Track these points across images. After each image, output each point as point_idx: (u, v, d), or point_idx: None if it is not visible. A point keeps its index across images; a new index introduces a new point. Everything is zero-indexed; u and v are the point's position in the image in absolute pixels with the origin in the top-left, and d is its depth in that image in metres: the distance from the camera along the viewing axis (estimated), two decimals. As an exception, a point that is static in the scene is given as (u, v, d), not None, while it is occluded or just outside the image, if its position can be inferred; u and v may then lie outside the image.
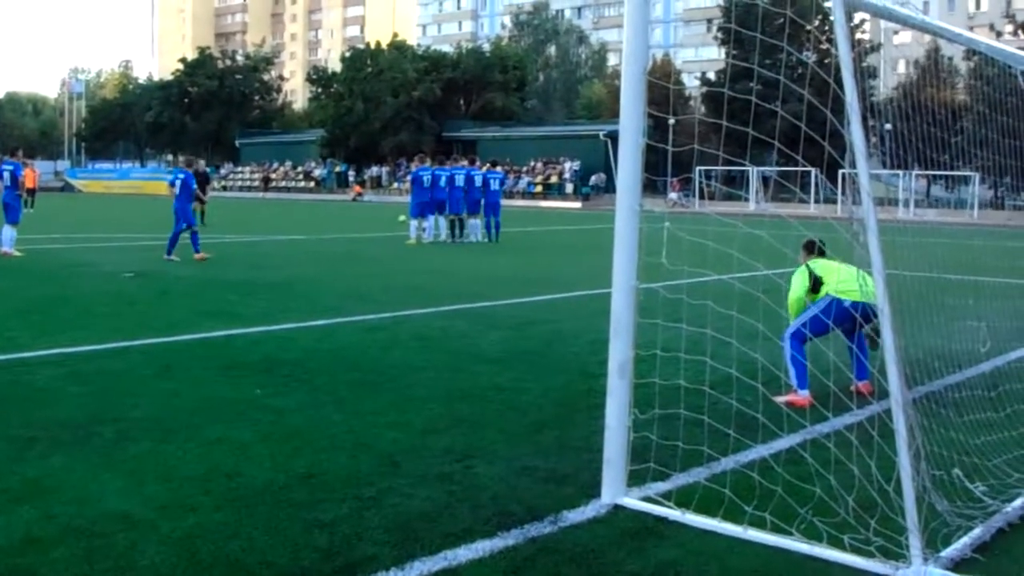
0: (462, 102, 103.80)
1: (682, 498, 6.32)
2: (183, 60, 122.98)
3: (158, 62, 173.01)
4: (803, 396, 9.14)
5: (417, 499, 6.50)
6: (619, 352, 6.19)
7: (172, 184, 23.80)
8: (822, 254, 10.08)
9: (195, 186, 24.40)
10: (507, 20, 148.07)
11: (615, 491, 6.37)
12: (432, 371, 10.88)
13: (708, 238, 6.50)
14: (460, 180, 30.72)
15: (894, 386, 5.42)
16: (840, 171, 6.00)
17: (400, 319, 14.65)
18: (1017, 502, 6.57)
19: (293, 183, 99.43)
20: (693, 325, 6.76)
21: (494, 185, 33.02)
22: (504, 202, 33.41)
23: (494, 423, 8.59)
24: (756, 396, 6.67)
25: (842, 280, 9.59)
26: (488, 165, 33.53)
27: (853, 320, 9.57)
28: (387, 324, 14.24)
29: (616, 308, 6.18)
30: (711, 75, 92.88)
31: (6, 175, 24.93)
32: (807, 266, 10.06)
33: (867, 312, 9.48)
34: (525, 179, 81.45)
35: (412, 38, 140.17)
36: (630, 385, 6.23)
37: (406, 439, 8.01)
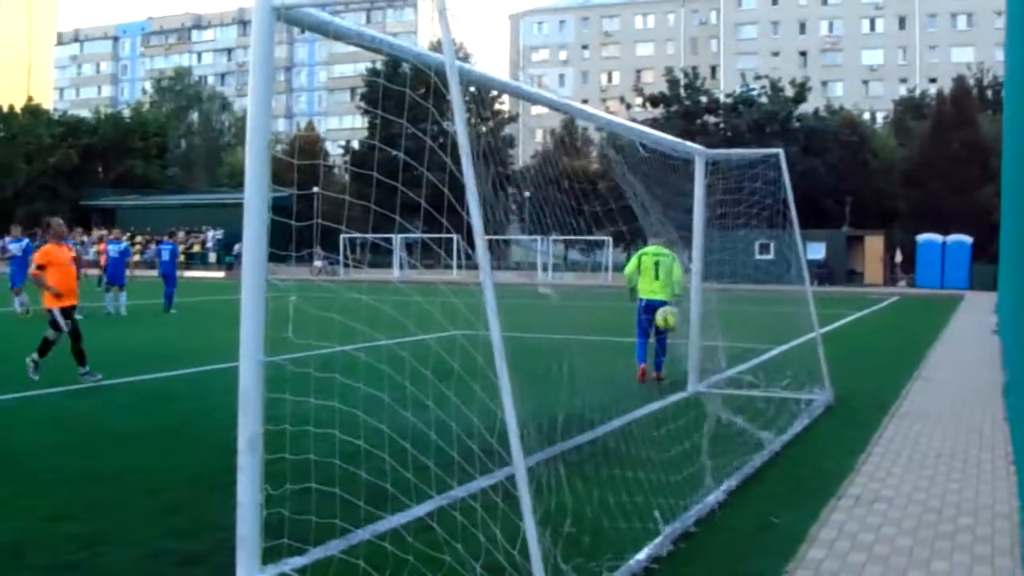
0: (101, 169, 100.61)
1: (317, 572, 6.31)
2: None
3: None
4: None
5: (42, 590, 6.21)
6: (248, 427, 6.11)
7: None
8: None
9: None
10: (148, 85, 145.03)
11: (249, 570, 6.25)
12: (62, 453, 10.43)
13: (333, 310, 6.54)
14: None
15: (515, 452, 5.58)
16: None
17: (27, 399, 13.92)
18: (641, 554, 6.88)
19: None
20: (321, 398, 6.76)
21: (165, 256, 33.99)
22: (145, 272, 32.92)
23: (126, 506, 8.33)
24: (385, 466, 6.74)
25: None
26: (165, 237, 34.18)
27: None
28: (12, 405, 13.52)
29: (244, 383, 6.11)
30: (355, 144, 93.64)
31: None
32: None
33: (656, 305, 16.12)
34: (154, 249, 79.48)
35: (48, 102, 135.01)
36: (261, 461, 6.15)
37: (31, 527, 7.64)
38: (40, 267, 15.24)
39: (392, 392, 6.64)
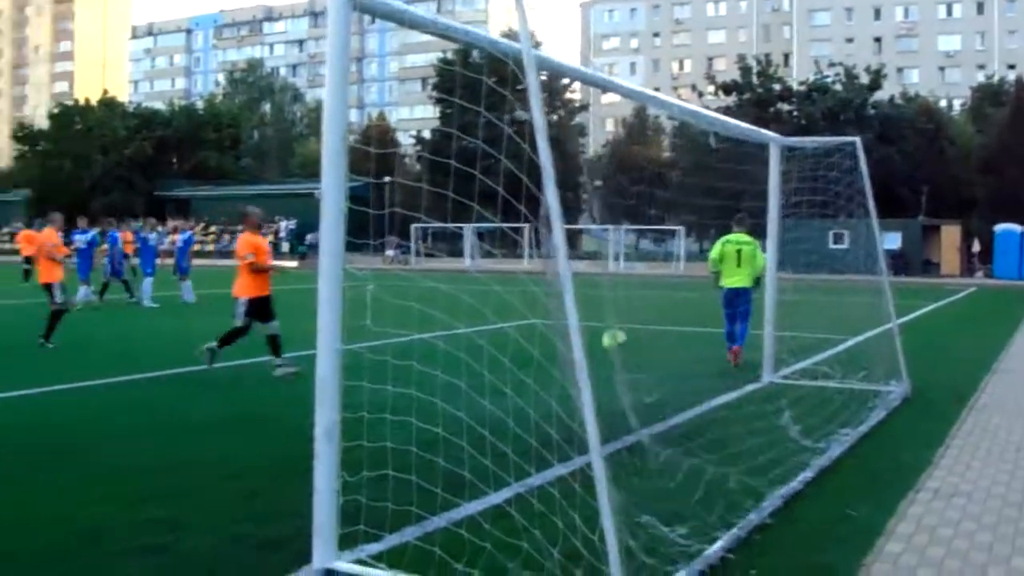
0: (175, 160, 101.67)
1: (393, 559, 6.33)
2: None
3: None
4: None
5: (123, 574, 6.29)
6: (325, 416, 6.18)
7: None
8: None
9: None
10: (221, 77, 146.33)
11: (326, 555, 6.32)
12: (142, 439, 10.58)
13: (411, 298, 6.58)
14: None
15: (592, 439, 5.58)
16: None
17: (106, 386, 14.13)
18: (716, 545, 6.87)
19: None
20: (399, 386, 6.80)
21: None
22: (219, 262, 33.24)
23: (206, 491, 8.43)
24: (462, 454, 6.76)
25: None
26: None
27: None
28: (92, 392, 13.74)
29: (321, 372, 6.17)
30: (426, 133, 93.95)
31: None
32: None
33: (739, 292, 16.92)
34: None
35: (123, 95, 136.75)
36: (337, 448, 6.21)
37: (112, 512, 7.75)
38: (250, 255, 15.08)
39: (470, 380, 6.67)
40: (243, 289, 15.13)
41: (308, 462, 6.30)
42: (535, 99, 5.80)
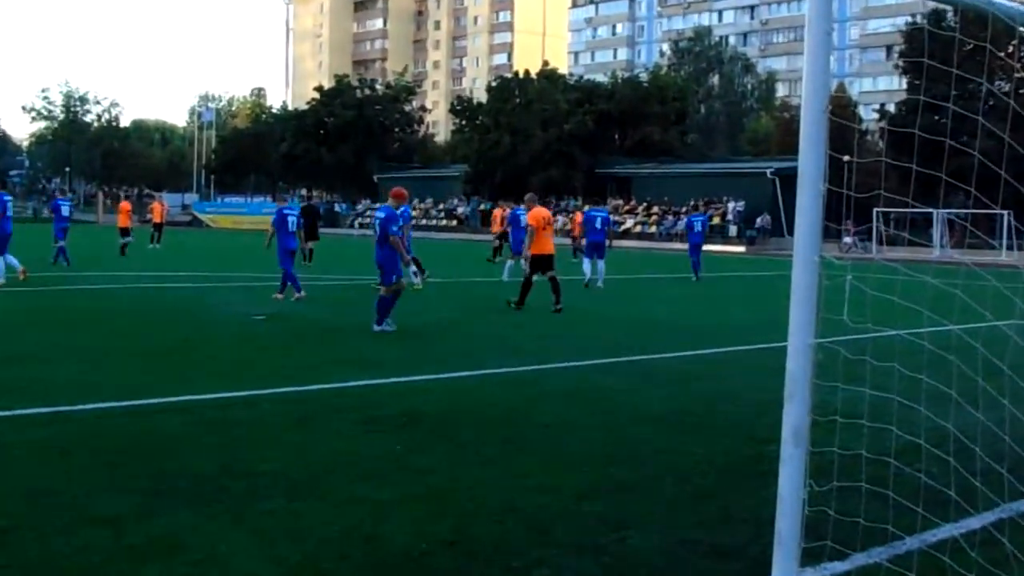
0: (617, 136, 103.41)
1: (861, 581, 6.18)
2: (319, 88, 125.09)
3: (292, 90, 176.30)
4: None
5: (568, 572, 6.46)
6: (794, 417, 6.06)
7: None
8: None
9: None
10: (666, 47, 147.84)
11: (787, 570, 6.23)
12: (585, 430, 10.85)
13: (890, 290, 6.37)
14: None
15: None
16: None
17: (549, 372, 14.67)
18: None
19: (435, 221, 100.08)
20: (877, 388, 6.60)
21: (697, 227, 35.94)
22: (661, 245, 33.85)
23: (652, 489, 8.52)
24: (947, 468, 6.48)
25: None
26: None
27: None
28: (535, 377, 14.28)
29: (792, 369, 6.07)
30: (891, 107, 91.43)
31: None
32: None
33: None
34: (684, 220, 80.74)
35: (563, 67, 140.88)
36: (806, 454, 6.11)
37: (557, 504, 7.97)
38: None
39: (960, 385, 6.39)
40: None
41: (758, 465, 6.27)
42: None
